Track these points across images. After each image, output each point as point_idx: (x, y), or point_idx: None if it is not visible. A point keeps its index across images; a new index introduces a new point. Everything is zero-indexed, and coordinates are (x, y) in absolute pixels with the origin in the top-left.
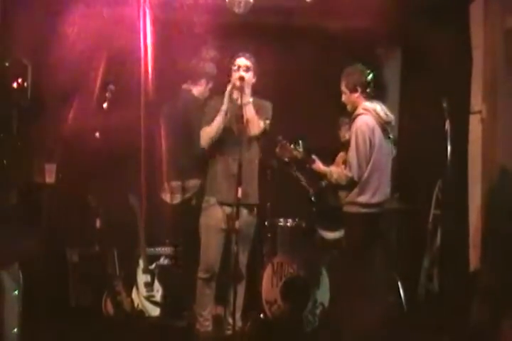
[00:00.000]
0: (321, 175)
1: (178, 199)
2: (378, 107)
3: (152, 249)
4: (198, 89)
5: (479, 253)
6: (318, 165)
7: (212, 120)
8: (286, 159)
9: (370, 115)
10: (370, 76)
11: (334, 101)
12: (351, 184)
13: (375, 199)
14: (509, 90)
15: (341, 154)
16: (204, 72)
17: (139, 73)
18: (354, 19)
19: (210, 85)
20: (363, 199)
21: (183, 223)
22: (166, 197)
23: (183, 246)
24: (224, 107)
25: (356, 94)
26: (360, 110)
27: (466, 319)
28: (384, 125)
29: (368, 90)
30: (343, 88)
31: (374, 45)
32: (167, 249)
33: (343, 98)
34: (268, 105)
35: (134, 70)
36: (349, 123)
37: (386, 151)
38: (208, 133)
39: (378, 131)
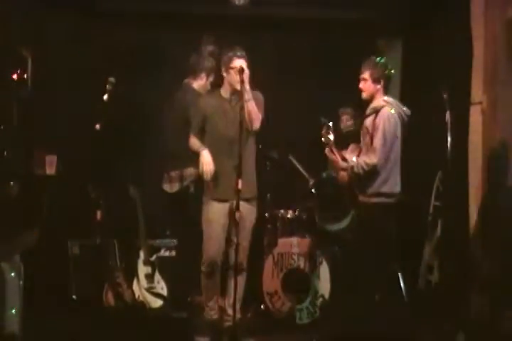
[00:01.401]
0: (336, 163)
1: (177, 187)
2: (397, 102)
3: (153, 241)
4: (199, 83)
5: (480, 244)
6: (341, 152)
7: (199, 127)
8: (324, 140)
9: (393, 108)
10: (392, 72)
11: (333, 91)
12: (373, 172)
13: (397, 189)
14: (510, 81)
15: (353, 145)
16: (204, 66)
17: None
18: (354, 9)
19: (211, 79)
20: (387, 189)
21: (183, 213)
22: (166, 186)
23: (183, 236)
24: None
25: (378, 86)
26: (381, 102)
27: (467, 310)
28: (404, 119)
29: (387, 85)
30: (366, 76)
31: (375, 36)
32: (168, 241)
33: (362, 85)
34: (260, 96)
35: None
36: (355, 113)
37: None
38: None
39: (399, 124)
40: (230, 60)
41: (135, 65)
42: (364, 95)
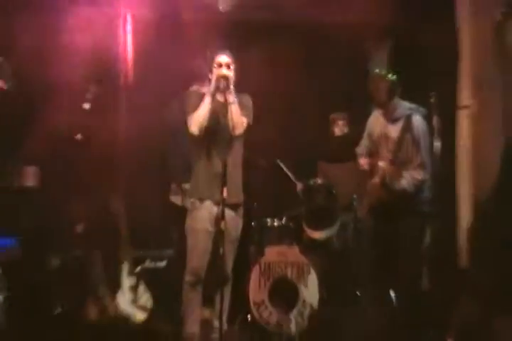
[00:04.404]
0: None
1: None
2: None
3: (137, 252)
4: (206, 90)
5: (469, 250)
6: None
7: (198, 106)
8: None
9: (420, 114)
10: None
11: (323, 97)
12: (421, 187)
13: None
14: (497, 84)
15: (363, 149)
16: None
17: (123, 74)
18: (342, 13)
19: None
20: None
21: (170, 224)
22: (177, 199)
23: (168, 248)
24: (208, 98)
25: (395, 99)
26: (406, 110)
27: (456, 316)
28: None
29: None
30: (382, 94)
31: (362, 39)
32: (152, 252)
33: (378, 93)
34: (248, 99)
35: (119, 71)
36: (349, 118)
37: None
38: (197, 117)
39: None
40: (215, 55)
41: (122, 70)
42: (378, 100)
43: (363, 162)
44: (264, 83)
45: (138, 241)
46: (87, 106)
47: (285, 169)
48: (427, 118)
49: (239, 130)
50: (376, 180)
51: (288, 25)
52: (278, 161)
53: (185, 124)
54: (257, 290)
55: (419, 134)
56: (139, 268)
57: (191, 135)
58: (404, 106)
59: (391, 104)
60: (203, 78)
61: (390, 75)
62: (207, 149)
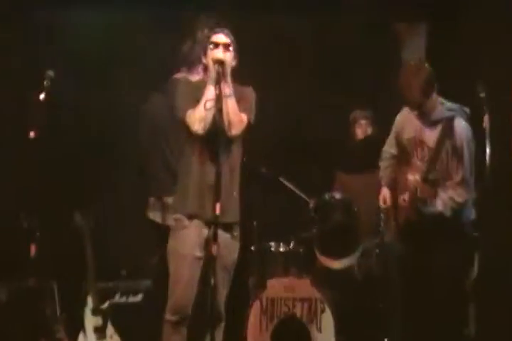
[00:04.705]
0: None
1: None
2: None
3: (105, 284)
4: (196, 78)
5: None
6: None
7: (194, 99)
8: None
9: (463, 117)
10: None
11: (342, 91)
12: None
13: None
14: None
15: (387, 158)
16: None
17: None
18: None
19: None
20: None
21: (147, 247)
22: (156, 215)
23: (144, 278)
24: (212, 89)
25: (433, 97)
26: (446, 111)
27: None
28: None
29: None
30: (416, 93)
31: (392, 19)
32: (125, 283)
33: (412, 90)
34: (250, 93)
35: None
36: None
37: None
38: (200, 113)
39: None
40: (211, 33)
41: (90, 53)
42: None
43: (385, 194)
44: (269, 73)
45: (106, 269)
46: (41, 96)
47: (291, 187)
48: (475, 119)
49: (236, 130)
50: (405, 197)
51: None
52: (281, 179)
53: (169, 121)
54: (256, 333)
55: (462, 143)
56: (106, 304)
57: (190, 135)
58: (444, 106)
59: (428, 103)
60: (191, 63)
61: (426, 66)
62: (199, 154)
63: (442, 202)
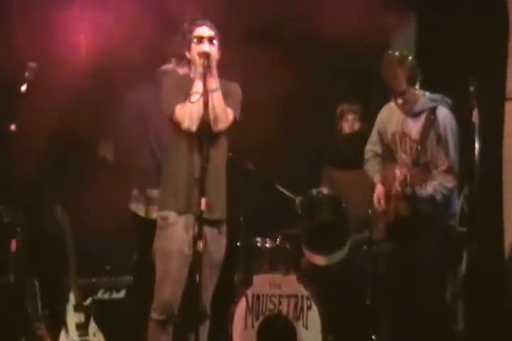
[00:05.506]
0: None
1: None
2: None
3: (87, 280)
4: (185, 71)
5: None
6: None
7: (182, 92)
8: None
9: (445, 106)
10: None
11: (329, 84)
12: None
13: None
14: None
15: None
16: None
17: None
18: None
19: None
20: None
21: (130, 242)
22: (139, 208)
23: (128, 274)
24: (200, 84)
25: (416, 88)
26: (428, 101)
27: None
28: None
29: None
30: (402, 82)
31: (381, 9)
32: (108, 279)
33: (403, 93)
34: (236, 88)
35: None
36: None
37: None
38: (191, 109)
39: None
40: (194, 26)
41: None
42: (402, 102)
43: (379, 193)
44: (253, 66)
45: (89, 264)
46: (23, 88)
47: (281, 189)
48: (464, 114)
49: (222, 124)
50: (397, 188)
51: None
52: (278, 186)
53: (156, 113)
54: (242, 330)
55: (446, 131)
56: (89, 301)
57: (178, 130)
58: (426, 97)
59: (410, 92)
60: (177, 55)
61: (409, 57)
62: (185, 147)
63: (432, 186)
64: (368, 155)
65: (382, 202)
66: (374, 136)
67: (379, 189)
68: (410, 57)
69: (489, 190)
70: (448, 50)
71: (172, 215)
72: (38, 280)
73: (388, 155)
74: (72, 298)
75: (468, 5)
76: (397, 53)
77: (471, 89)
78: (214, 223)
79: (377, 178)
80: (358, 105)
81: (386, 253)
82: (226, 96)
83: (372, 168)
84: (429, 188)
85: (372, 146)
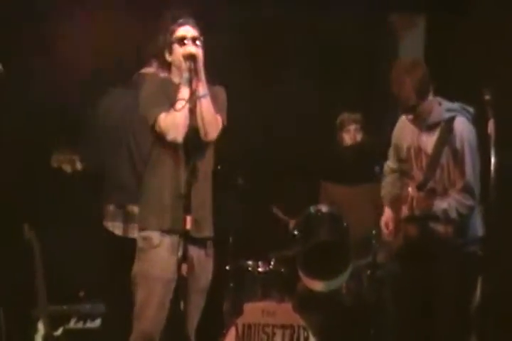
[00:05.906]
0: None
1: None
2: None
3: (58, 307)
4: (166, 75)
5: None
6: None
7: (166, 98)
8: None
9: (465, 117)
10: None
11: (329, 92)
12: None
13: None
14: None
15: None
16: None
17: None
18: None
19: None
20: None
21: (105, 264)
22: (116, 226)
23: (103, 300)
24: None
25: (430, 96)
26: (444, 112)
27: None
28: None
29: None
30: (411, 95)
31: (387, 10)
32: (81, 307)
33: (404, 91)
34: (221, 91)
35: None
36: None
37: None
38: (175, 119)
39: None
40: (176, 25)
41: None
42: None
43: (387, 218)
44: (244, 70)
45: (59, 290)
46: None
47: (274, 210)
48: (480, 125)
49: (213, 134)
50: (405, 211)
51: None
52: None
53: (137, 121)
54: None
55: (462, 145)
56: (60, 331)
57: (162, 140)
58: (442, 106)
59: (423, 105)
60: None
61: (422, 63)
62: (170, 160)
63: (446, 202)
64: (385, 170)
65: (391, 228)
66: (391, 151)
67: (387, 213)
68: (420, 67)
69: (507, 207)
70: (460, 55)
71: (156, 236)
72: (3, 309)
73: (404, 172)
74: (41, 328)
75: (480, 6)
76: (404, 63)
77: (487, 97)
78: (201, 242)
79: (386, 200)
80: (360, 114)
81: (392, 280)
82: (213, 102)
83: (385, 185)
84: (443, 204)
85: (389, 162)
